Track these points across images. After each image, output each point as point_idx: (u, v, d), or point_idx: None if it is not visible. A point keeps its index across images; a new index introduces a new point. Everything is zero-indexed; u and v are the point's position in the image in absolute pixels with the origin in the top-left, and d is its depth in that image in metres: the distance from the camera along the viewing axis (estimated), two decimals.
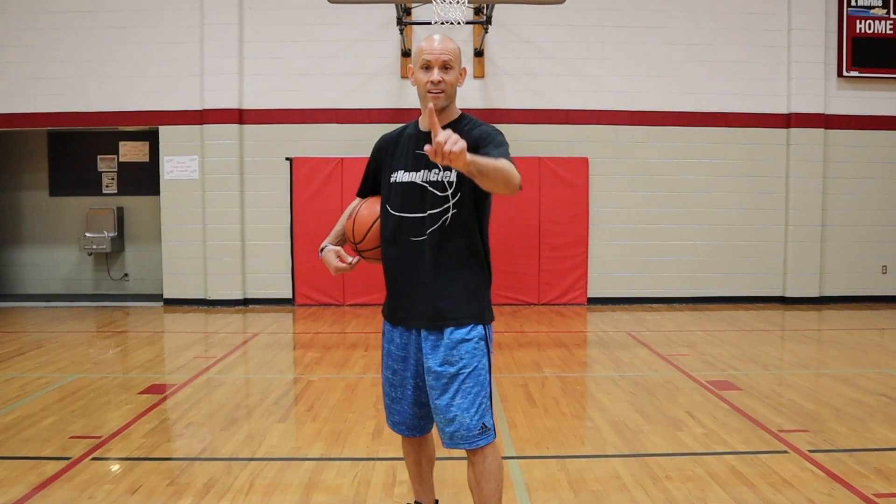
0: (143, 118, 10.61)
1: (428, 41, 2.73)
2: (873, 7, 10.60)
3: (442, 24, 8.28)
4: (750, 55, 10.67)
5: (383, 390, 3.04)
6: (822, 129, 10.69)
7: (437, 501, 3.32)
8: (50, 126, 10.78)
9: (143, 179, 11.48)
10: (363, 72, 10.57)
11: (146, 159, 11.64)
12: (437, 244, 2.73)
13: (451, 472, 3.95)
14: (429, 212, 2.73)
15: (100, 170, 11.74)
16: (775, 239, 10.84)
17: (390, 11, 10.21)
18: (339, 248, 2.92)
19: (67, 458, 4.22)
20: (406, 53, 10.42)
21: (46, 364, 6.83)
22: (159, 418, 5.13)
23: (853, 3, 10.60)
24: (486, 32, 10.13)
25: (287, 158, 10.55)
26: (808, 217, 10.75)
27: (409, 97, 10.38)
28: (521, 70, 10.61)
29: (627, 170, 10.69)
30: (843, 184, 10.84)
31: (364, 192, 3.03)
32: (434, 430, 3.04)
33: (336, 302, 10.63)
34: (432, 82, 2.69)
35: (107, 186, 11.75)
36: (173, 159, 10.58)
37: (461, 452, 2.83)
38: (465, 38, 10.44)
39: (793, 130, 10.67)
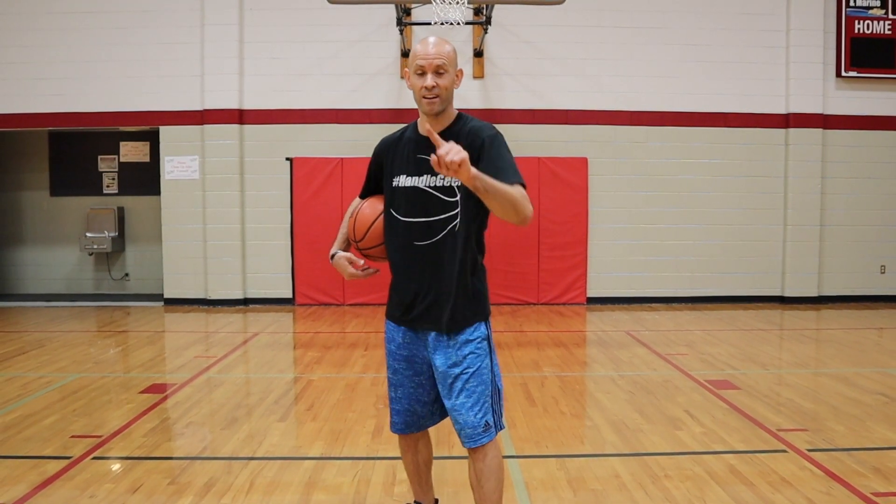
0: (143, 118, 10.62)
1: (422, 45, 2.71)
2: (872, 7, 10.62)
3: (441, 24, 8.30)
4: (749, 55, 10.69)
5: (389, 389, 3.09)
6: (820, 130, 10.71)
7: (436, 501, 3.34)
8: (51, 126, 10.80)
9: (144, 179, 11.50)
10: (363, 72, 10.59)
11: (147, 159, 11.66)
12: (445, 249, 2.74)
13: (450, 470, 3.97)
14: (436, 217, 2.73)
15: (100, 170, 11.76)
16: (774, 239, 10.86)
17: (390, 12, 10.23)
18: (348, 254, 2.93)
19: (68, 458, 4.23)
20: (406, 54, 10.43)
21: (47, 363, 6.84)
22: (160, 417, 5.14)
23: (852, 4, 10.62)
24: (486, 33, 10.14)
25: (287, 158, 10.57)
26: (807, 217, 10.78)
27: (408, 97, 10.39)
28: (520, 70, 10.62)
29: (627, 170, 10.71)
30: (842, 184, 10.86)
31: (366, 194, 3.03)
32: (432, 430, 3.07)
33: (336, 302, 10.65)
34: (426, 88, 2.67)
35: (107, 186, 11.77)
36: (174, 159, 10.60)
37: (460, 451, 2.86)
38: (464, 39, 10.45)
39: (791, 130, 10.69)
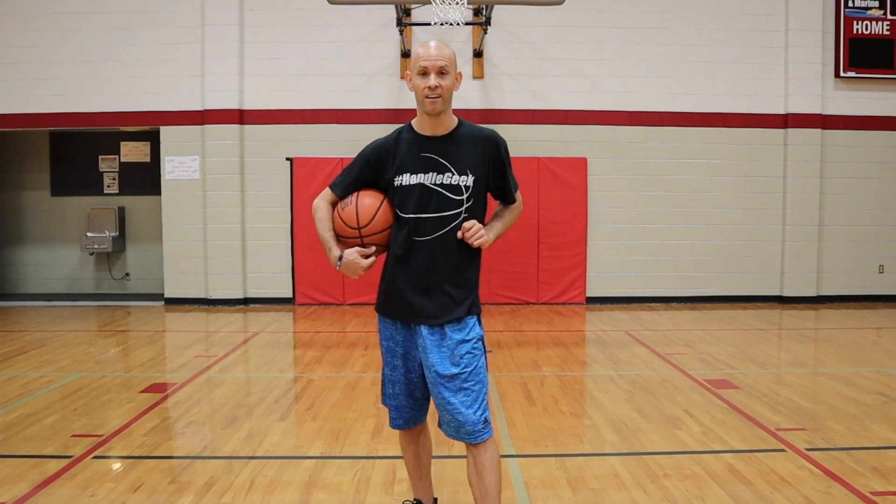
0: (144, 118, 10.64)
1: (424, 48, 2.79)
2: (870, 8, 10.63)
3: (441, 24, 8.31)
4: (747, 56, 10.70)
5: (384, 386, 3.13)
6: (819, 130, 10.73)
7: (436, 500, 3.36)
8: (52, 126, 10.81)
9: (145, 179, 11.51)
10: (363, 72, 10.60)
11: (147, 159, 11.67)
12: (448, 244, 2.82)
13: (450, 469, 3.98)
14: (441, 213, 2.81)
15: (101, 170, 11.77)
16: (773, 238, 10.88)
17: (390, 12, 10.24)
18: (355, 248, 2.91)
19: (69, 457, 4.24)
20: (406, 54, 10.45)
21: (48, 363, 6.86)
22: (160, 417, 5.16)
23: (850, 4, 10.63)
24: (486, 33, 10.16)
25: (287, 158, 10.59)
26: (806, 217, 10.79)
27: (408, 98, 10.41)
28: (520, 71, 10.64)
29: (626, 170, 10.73)
30: (840, 184, 10.88)
31: (346, 193, 2.96)
32: (432, 429, 3.09)
33: (336, 301, 10.66)
34: (429, 88, 2.75)
35: (108, 186, 11.78)
36: (174, 159, 10.61)
37: (460, 450, 2.88)
38: (464, 39, 10.47)
39: (790, 131, 10.71)
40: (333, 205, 2.97)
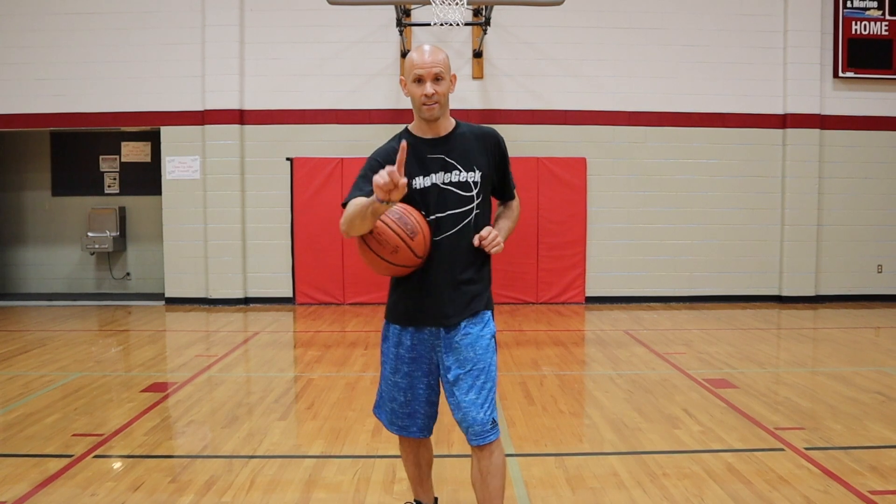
0: (144, 119, 10.65)
1: (418, 54, 2.79)
2: (869, 8, 10.65)
3: (441, 25, 8.32)
4: (746, 56, 10.72)
5: (384, 397, 3.06)
6: (817, 130, 10.74)
7: (436, 499, 3.37)
8: (52, 127, 10.82)
9: (145, 179, 11.53)
10: (363, 73, 10.62)
11: (148, 159, 11.68)
12: (463, 241, 2.83)
13: (450, 469, 3.99)
14: (454, 211, 2.82)
15: (102, 170, 11.79)
16: (772, 238, 10.89)
17: (390, 13, 10.26)
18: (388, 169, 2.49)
19: (70, 456, 4.26)
20: (406, 55, 10.45)
21: (49, 362, 6.87)
22: (161, 416, 5.17)
23: (849, 5, 10.64)
24: (485, 34, 10.17)
25: (288, 159, 10.60)
26: (804, 217, 10.81)
27: (408, 98, 10.40)
28: (519, 71, 10.65)
29: (625, 170, 10.74)
30: (839, 184, 10.90)
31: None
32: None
33: (336, 301, 10.68)
34: (426, 95, 2.76)
35: (109, 186, 11.80)
36: (175, 159, 10.63)
37: (459, 449, 2.88)
38: (463, 40, 10.49)
39: (789, 131, 10.72)
40: None
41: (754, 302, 10.85)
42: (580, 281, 10.77)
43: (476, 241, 2.79)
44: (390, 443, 4.45)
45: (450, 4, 8.16)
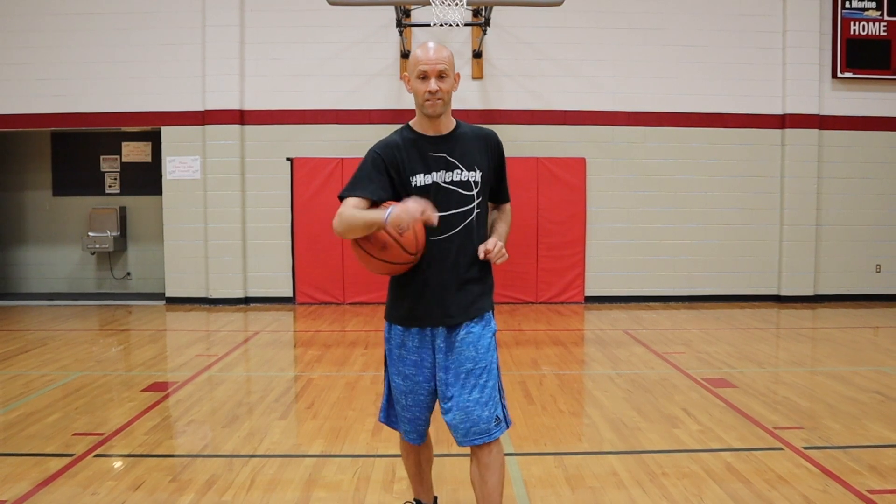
0: (145, 119, 10.67)
1: (423, 50, 2.78)
2: (867, 9, 10.66)
3: (441, 25, 8.33)
4: (745, 57, 10.73)
5: (388, 399, 3.07)
6: (816, 130, 10.76)
7: (436, 498, 3.38)
8: (53, 127, 10.83)
9: (146, 179, 11.54)
10: (363, 73, 10.63)
11: (148, 159, 11.70)
12: (464, 240, 2.84)
13: (450, 468, 4.01)
14: (455, 210, 2.82)
15: (103, 170, 11.80)
16: (770, 238, 10.91)
17: (390, 13, 10.27)
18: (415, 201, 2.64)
19: (71, 455, 4.27)
20: (406, 55, 10.47)
21: (50, 362, 6.89)
22: (161, 415, 5.18)
23: (847, 6, 10.66)
24: (485, 34, 10.18)
25: (288, 159, 10.61)
26: (803, 216, 10.83)
27: (408, 98, 10.43)
28: (519, 71, 10.67)
29: (624, 170, 10.76)
30: (838, 184, 10.91)
31: (379, 196, 2.79)
32: (432, 429, 3.11)
33: (336, 300, 10.69)
34: (430, 92, 2.76)
35: (109, 186, 11.81)
36: (175, 159, 10.64)
37: (460, 448, 2.88)
38: (463, 40, 10.50)
39: (788, 131, 10.74)
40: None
41: (753, 302, 10.86)
42: (580, 281, 10.78)
43: (482, 254, 2.78)
44: (390, 442, 4.46)
45: (449, 5, 8.17)
